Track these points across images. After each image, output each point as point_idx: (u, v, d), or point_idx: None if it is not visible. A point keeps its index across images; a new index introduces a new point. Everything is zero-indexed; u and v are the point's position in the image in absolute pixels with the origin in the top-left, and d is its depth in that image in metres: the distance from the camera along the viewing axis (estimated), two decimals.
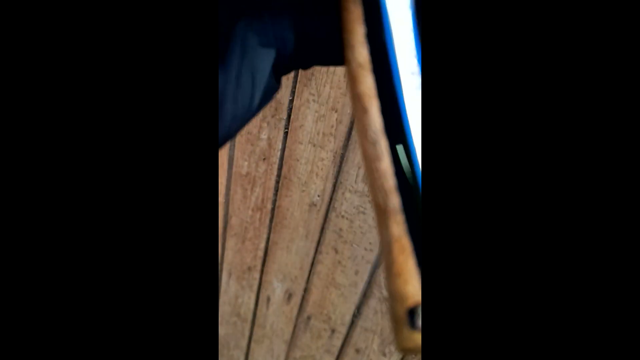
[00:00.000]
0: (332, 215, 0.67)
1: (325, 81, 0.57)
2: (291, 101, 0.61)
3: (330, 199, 0.66)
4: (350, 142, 0.59)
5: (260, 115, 0.64)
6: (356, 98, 0.19)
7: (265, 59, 0.23)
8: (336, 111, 0.58)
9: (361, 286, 0.71)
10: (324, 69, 0.56)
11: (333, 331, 0.80)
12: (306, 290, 0.78)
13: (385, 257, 0.18)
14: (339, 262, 0.71)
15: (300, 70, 0.58)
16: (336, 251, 0.70)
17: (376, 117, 0.19)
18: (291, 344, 0.88)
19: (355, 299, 0.73)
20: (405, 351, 0.18)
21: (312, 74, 0.57)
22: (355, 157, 0.60)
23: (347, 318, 0.76)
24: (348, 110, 0.56)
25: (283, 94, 0.61)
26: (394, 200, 0.18)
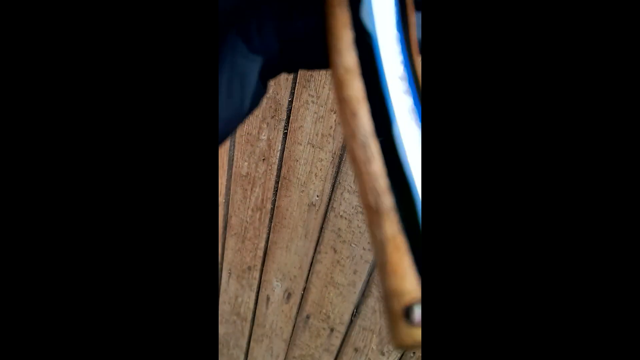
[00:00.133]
0: (331, 215, 0.67)
1: (324, 83, 0.57)
2: (290, 102, 0.61)
3: (329, 199, 0.66)
4: None
5: (260, 117, 0.65)
6: (343, 102, 0.19)
7: (253, 65, 0.23)
8: (335, 112, 0.59)
9: (360, 285, 0.71)
10: (323, 71, 0.56)
11: (332, 330, 0.80)
12: (305, 289, 0.79)
13: (379, 257, 0.18)
14: (338, 261, 0.71)
15: (299, 72, 0.58)
16: (335, 251, 0.70)
17: (366, 120, 0.19)
18: (290, 342, 0.88)
19: (353, 298, 0.73)
20: (403, 348, 0.18)
21: (311, 76, 0.57)
22: None
23: (346, 317, 0.76)
24: None
25: (282, 95, 0.61)
26: (387, 200, 0.18)
